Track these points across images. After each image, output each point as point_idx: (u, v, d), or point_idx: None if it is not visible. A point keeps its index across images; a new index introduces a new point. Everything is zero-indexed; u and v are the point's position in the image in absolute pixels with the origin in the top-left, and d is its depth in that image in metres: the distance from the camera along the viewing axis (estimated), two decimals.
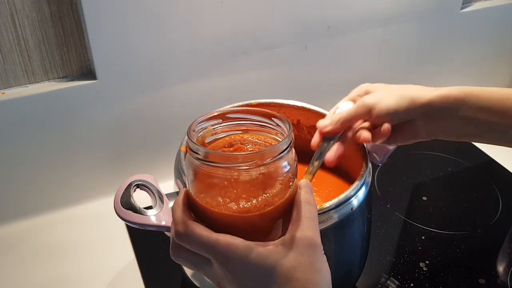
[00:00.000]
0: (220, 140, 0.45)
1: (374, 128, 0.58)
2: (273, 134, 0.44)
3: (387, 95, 0.56)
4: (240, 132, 0.45)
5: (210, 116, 0.44)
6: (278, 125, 0.43)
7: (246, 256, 0.38)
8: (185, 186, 0.56)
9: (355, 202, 0.55)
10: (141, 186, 0.55)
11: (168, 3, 0.73)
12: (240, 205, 0.39)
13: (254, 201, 0.39)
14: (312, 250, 0.39)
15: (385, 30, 0.95)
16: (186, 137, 0.41)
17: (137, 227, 0.51)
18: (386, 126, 0.56)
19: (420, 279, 0.72)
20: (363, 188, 0.57)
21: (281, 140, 0.41)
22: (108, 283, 0.71)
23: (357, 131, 0.58)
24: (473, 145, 1.00)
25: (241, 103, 0.69)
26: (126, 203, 0.51)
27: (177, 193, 0.56)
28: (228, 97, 0.86)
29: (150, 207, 0.52)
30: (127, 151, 0.84)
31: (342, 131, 0.58)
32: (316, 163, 0.56)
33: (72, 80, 0.75)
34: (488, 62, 1.14)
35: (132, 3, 0.71)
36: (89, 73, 0.76)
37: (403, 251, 0.77)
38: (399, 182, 0.91)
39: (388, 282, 0.72)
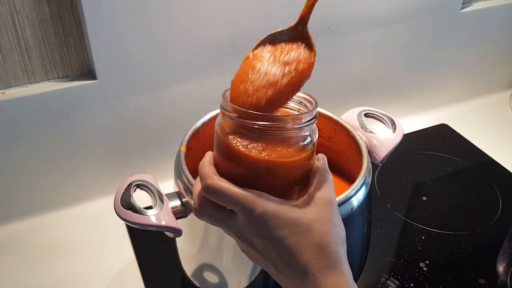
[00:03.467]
0: None
1: None
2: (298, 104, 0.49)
3: None
4: None
5: None
6: (305, 98, 0.50)
7: (271, 206, 0.41)
8: (185, 185, 0.56)
9: (355, 202, 0.55)
10: (141, 186, 0.55)
11: (168, 3, 0.73)
12: (268, 153, 0.43)
13: (280, 151, 0.43)
14: (330, 207, 0.43)
15: (385, 30, 0.95)
16: (222, 100, 0.46)
17: (137, 227, 0.51)
18: None
19: (420, 279, 0.72)
20: (363, 188, 0.57)
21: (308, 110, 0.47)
22: (108, 283, 0.71)
23: None
24: (473, 145, 1.00)
25: None
26: (126, 203, 0.51)
27: (177, 193, 0.56)
28: None
29: (150, 207, 0.52)
30: (127, 151, 0.84)
31: None
32: None
33: (72, 80, 0.75)
34: (488, 62, 1.14)
35: (132, 3, 0.71)
36: (89, 73, 0.76)
37: (403, 251, 0.77)
38: (399, 182, 0.91)
39: (388, 282, 0.72)
